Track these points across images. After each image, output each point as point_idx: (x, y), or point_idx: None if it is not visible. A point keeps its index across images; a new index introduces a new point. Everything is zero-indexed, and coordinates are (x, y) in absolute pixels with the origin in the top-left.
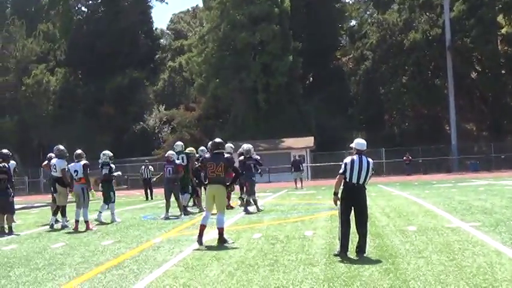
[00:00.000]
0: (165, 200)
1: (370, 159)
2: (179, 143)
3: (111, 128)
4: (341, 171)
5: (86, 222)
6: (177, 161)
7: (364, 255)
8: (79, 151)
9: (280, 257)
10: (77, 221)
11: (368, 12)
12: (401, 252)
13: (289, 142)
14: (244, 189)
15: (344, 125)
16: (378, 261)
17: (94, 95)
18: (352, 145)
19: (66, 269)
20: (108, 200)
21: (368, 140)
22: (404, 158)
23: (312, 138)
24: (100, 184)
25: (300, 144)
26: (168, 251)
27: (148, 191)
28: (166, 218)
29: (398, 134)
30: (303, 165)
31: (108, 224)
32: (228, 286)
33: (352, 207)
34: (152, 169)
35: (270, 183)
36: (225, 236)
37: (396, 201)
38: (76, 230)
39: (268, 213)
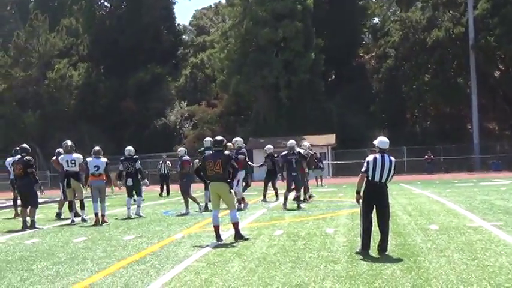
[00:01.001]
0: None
1: (392, 158)
2: (208, 138)
3: (133, 124)
4: (363, 169)
5: (103, 215)
6: (185, 157)
7: (386, 253)
8: (97, 148)
9: (301, 254)
10: (96, 214)
11: (391, 10)
12: (423, 250)
13: (310, 139)
14: (292, 186)
15: (366, 123)
16: (399, 260)
17: (116, 90)
18: (375, 143)
19: (88, 263)
20: (139, 193)
21: (390, 138)
22: (426, 156)
23: (334, 135)
24: (126, 179)
25: (322, 141)
26: (190, 246)
27: (165, 186)
28: (187, 213)
29: (420, 132)
30: (323, 162)
31: (134, 218)
32: (250, 283)
33: (374, 206)
34: (170, 164)
35: None
36: (242, 232)
37: (418, 199)
38: (96, 224)
39: (290, 210)
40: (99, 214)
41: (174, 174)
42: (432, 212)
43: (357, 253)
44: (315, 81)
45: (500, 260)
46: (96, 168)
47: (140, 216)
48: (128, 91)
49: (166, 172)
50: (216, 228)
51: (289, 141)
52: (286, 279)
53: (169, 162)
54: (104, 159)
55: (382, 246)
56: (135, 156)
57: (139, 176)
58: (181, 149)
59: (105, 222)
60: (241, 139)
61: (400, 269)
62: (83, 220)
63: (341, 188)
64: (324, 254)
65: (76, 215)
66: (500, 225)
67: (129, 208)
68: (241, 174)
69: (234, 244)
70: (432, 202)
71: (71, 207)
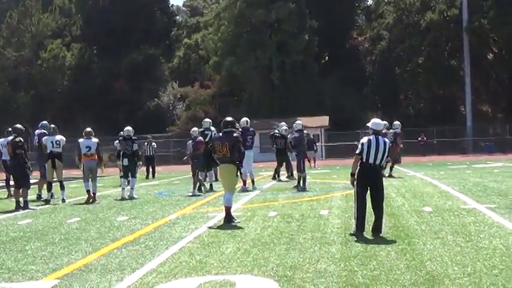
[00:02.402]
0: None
1: (386, 140)
2: (207, 119)
3: (126, 104)
4: (357, 151)
5: (94, 194)
6: (200, 138)
7: (380, 235)
8: (89, 129)
9: (296, 235)
10: (88, 191)
11: None
12: (418, 232)
13: (303, 121)
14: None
15: (359, 105)
16: (393, 242)
17: (109, 71)
18: (369, 125)
19: (82, 244)
20: (133, 174)
21: (383, 120)
22: (419, 138)
23: (327, 117)
24: (122, 159)
25: (315, 123)
26: (184, 227)
27: (151, 169)
28: (193, 195)
29: (413, 114)
30: (316, 144)
31: (127, 199)
32: (244, 264)
33: (369, 188)
34: (155, 146)
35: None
36: (233, 214)
37: (411, 181)
38: (88, 201)
39: (283, 191)
40: (91, 191)
41: (188, 155)
42: (426, 194)
43: (351, 235)
44: (308, 63)
45: (494, 242)
46: (88, 149)
47: (133, 198)
48: (121, 72)
49: (151, 154)
50: (227, 209)
51: (297, 121)
52: (280, 261)
53: (154, 144)
54: (95, 140)
55: (376, 227)
56: (133, 137)
57: (135, 158)
58: (195, 129)
59: (95, 200)
60: (247, 119)
61: (394, 251)
62: (63, 201)
63: (334, 169)
64: (318, 235)
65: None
66: (493, 207)
67: (123, 189)
68: (252, 154)
69: (228, 226)
70: (425, 184)
71: (49, 188)
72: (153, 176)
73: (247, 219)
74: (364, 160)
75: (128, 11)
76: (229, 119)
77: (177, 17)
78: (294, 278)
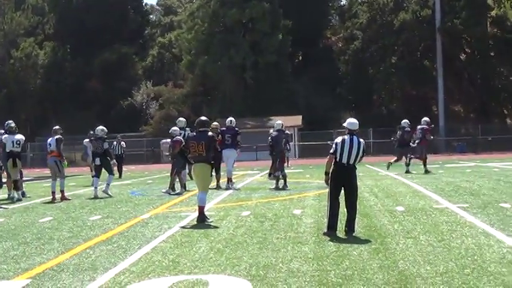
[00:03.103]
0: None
1: (361, 140)
2: (182, 119)
3: (99, 103)
4: (331, 151)
5: (62, 191)
6: (177, 137)
7: (353, 234)
8: (56, 126)
9: (269, 235)
10: (53, 192)
11: None
12: (390, 232)
13: (276, 121)
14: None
15: (332, 105)
16: (366, 241)
17: (82, 69)
18: (344, 124)
19: (55, 244)
20: (110, 171)
21: (356, 120)
22: (392, 138)
23: (300, 117)
24: (94, 158)
25: (288, 122)
26: (157, 227)
27: (120, 167)
28: (181, 193)
29: (386, 114)
30: (290, 143)
31: (100, 198)
32: (217, 263)
33: (343, 187)
34: (125, 145)
35: (258, 161)
36: (206, 213)
37: (384, 181)
38: (53, 201)
39: (257, 191)
40: (56, 192)
41: (167, 155)
42: (398, 194)
43: (324, 234)
44: (281, 63)
45: (466, 242)
46: (49, 146)
47: (108, 195)
48: (94, 71)
49: (120, 153)
50: (201, 209)
51: (278, 121)
52: (253, 260)
53: (123, 143)
54: (57, 137)
55: (350, 227)
56: (104, 137)
57: (107, 157)
58: (176, 128)
59: (65, 199)
60: (232, 118)
61: (367, 250)
62: (18, 200)
63: (308, 169)
64: (291, 235)
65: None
66: (465, 207)
67: (95, 188)
68: (233, 154)
69: (202, 225)
70: (398, 184)
71: (16, 186)
72: (120, 175)
73: (221, 219)
74: (338, 159)
75: (101, 10)
76: (203, 118)
77: (151, 16)
78: (267, 278)
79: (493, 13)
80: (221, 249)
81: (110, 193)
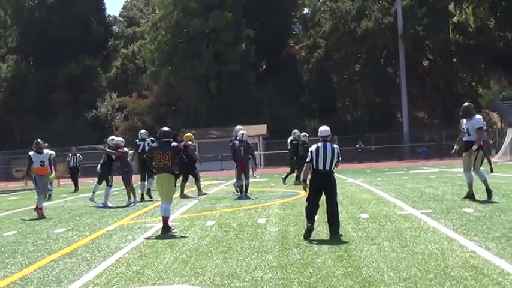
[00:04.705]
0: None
1: (335, 145)
2: (143, 130)
3: (63, 115)
4: (308, 159)
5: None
6: (124, 149)
7: (339, 234)
8: (40, 141)
9: (233, 244)
10: (41, 208)
11: (321, 0)
12: (354, 239)
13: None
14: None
15: (297, 113)
16: (330, 248)
17: (46, 82)
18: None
19: (18, 257)
20: (106, 182)
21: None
22: (357, 145)
23: (265, 126)
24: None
25: (253, 131)
26: (121, 238)
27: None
28: (132, 203)
29: (351, 121)
30: (255, 152)
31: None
32: (182, 274)
33: (323, 192)
34: (81, 157)
35: (223, 171)
36: (170, 224)
37: (349, 188)
38: (43, 216)
39: (221, 200)
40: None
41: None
42: (363, 201)
43: (304, 238)
44: (245, 72)
45: (430, 247)
46: (41, 163)
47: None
48: (58, 83)
49: (75, 165)
50: (165, 219)
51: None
52: (218, 270)
53: (79, 155)
54: (51, 153)
55: (334, 227)
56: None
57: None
58: (119, 139)
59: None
60: (244, 131)
61: (331, 258)
62: None
63: (272, 177)
64: (256, 244)
65: None
66: (429, 212)
67: (93, 192)
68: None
69: (166, 236)
70: (363, 191)
71: None
72: (76, 188)
73: (185, 229)
74: (315, 167)
75: (64, 22)
76: (165, 129)
77: (114, 27)
78: (231, 287)
79: (454, 19)
80: (185, 259)
81: (95, 200)
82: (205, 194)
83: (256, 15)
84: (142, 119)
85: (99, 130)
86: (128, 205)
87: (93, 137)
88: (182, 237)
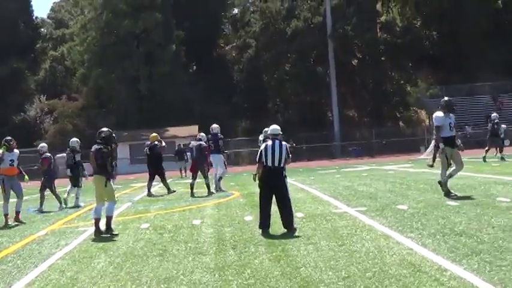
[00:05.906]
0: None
1: (284, 143)
2: (74, 139)
3: None
4: (258, 158)
5: (18, 212)
6: (45, 155)
7: (294, 228)
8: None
9: (169, 246)
10: (18, 212)
11: (250, 1)
12: (291, 239)
13: (173, 131)
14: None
15: (228, 113)
16: (267, 249)
17: None
18: (267, 130)
19: None
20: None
21: (252, 128)
22: (288, 145)
23: (197, 126)
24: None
25: (185, 132)
26: (53, 244)
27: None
28: (61, 208)
29: (282, 121)
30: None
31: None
32: (117, 278)
33: (273, 188)
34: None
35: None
36: (112, 226)
37: None
38: (20, 222)
39: (155, 202)
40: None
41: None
42: (297, 200)
43: (261, 234)
44: (176, 73)
45: (367, 245)
46: (11, 161)
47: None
48: None
49: None
50: (97, 222)
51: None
52: (154, 274)
53: None
54: (16, 151)
55: (288, 224)
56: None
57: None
58: (43, 144)
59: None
60: (217, 125)
61: (268, 258)
62: None
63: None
64: (192, 245)
65: None
66: (364, 210)
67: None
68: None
69: (99, 240)
70: (297, 190)
71: None
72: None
73: (119, 232)
74: (264, 164)
75: None
76: (101, 129)
77: (42, 29)
78: None
79: (382, 19)
80: (120, 263)
81: (81, 204)
82: (173, 191)
83: (186, 16)
84: (73, 121)
85: (28, 133)
86: (60, 210)
87: (22, 141)
88: (116, 240)
